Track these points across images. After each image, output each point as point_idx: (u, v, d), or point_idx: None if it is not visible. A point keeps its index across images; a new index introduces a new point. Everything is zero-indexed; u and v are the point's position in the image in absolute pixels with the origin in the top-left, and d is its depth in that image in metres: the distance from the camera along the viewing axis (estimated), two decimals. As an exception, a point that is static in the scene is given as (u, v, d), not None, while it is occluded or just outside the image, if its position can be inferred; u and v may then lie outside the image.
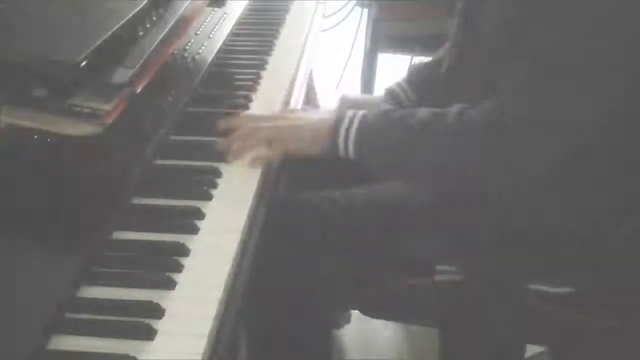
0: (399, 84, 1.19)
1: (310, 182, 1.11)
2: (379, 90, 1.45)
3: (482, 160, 0.86)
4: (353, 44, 2.22)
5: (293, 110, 1.10)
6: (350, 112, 0.96)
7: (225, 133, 0.99)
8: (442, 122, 0.88)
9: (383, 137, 0.93)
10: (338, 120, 0.95)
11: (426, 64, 1.20)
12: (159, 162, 0.95)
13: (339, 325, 1.57)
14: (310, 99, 1.53)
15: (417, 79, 1.19)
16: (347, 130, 0.94)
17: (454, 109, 0.89)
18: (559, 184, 0.91)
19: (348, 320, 1.62)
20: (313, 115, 1.03)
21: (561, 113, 0.82)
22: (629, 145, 0.89)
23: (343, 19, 2.25)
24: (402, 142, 0.92)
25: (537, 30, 0.81)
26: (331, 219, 1.03)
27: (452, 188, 0.94)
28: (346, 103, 1.20)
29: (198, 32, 1.23)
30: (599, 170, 0.90)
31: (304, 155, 0.97)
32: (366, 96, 1.76)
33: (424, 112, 0.91)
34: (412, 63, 2.02)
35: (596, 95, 0.81)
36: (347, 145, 0.94)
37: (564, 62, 0.80)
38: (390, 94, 1.19)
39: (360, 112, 0.95)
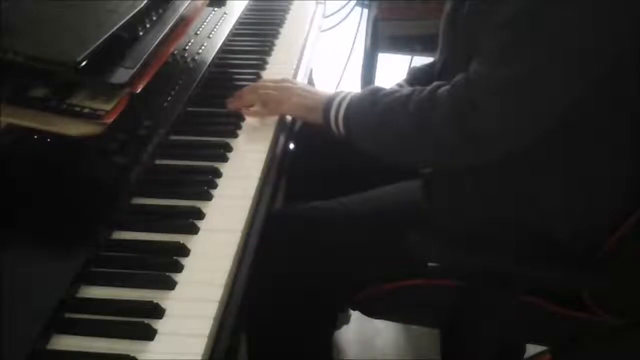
0: (399, 85, 1.19)
1: (308, 193, 1.12)
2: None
3: (450, 131, 0.87)
4: (353, 44, 2.22)
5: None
6: (345, 91, 1.02)
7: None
8: (417, 96, 0.91)
9: (366, 112, 0.96)
10: (332, 96, 1.01)
11: (426, 65, 1.20)
12: (159, 162, 0.95)
13: (338, 325, 1.57)
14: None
15: (418, 79, 1.19)
16: (339, 105, 0.99)
17: (431, 85, 0.91)
18: (557, 184, 0.91)
19: (347, 321, 1.62)
20: (312, 88, 1.09)
21: (527, 80, 0.82)
22: (620, 146, 0.89)
23: (343, 19, 2.25)
24: (381, 115, 0.94)
25: (504, 1, 0.81)
26: (329, 221, 1.04)
27: (427, 160, 0.98)
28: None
29: (198, 32, 1.23)
30: (597, 169, 0.90)
31: (300, 119, 1.10)
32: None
33: (406, 89, 0.94)
34: (412, 63, 2.02)
35: (564, 65, 0.81)
36: (337, 120, 0.99)
37: (529, 29, 0.80)
38: None
39: (354, 91, 1.01)
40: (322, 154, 1.20)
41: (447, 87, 0.89)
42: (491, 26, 0.83)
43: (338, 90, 1.04)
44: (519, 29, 0.81)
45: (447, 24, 0.99)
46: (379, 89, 0.98)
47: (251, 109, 1.08)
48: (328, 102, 1.01)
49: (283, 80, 1.11)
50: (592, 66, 0.81)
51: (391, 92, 0.95)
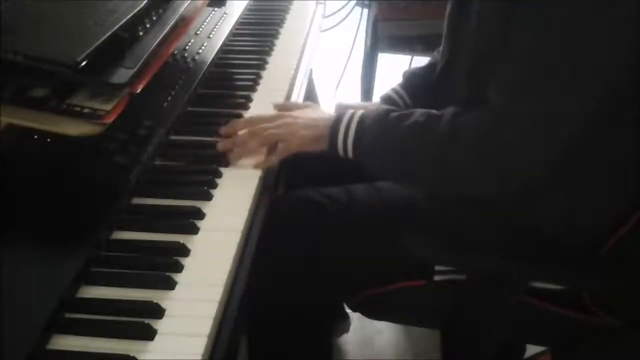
0: (394, 90, 1.18)
1: (309, 182, 1.11)
2: (379, 90, 1.45)
3: (476, 166, 0.86)
4: (353, 44, 2.23)
5: (293, 105, 1.11)
6: (349, 112, 0.97)
7: (226, 136, 1.00)
8: (436, 126, 0.88)
9: (379, 138, 0.94)
10: (337, 120, 0.96)
11: (421, 68, 1.20)
12: (159, 162, 0.95)
13: (338, 334, 1.57)
14: (310, 99, 1.53)
15: (413, 83, 1.18)
16: (346, 130, 0.95)
17: (449, 112, 0.89)
18: (557, 185, 0.91)
19: (348, 329, 1.61)
20: (312, 113, 1.03)
21: (557, 112, 0.81)
22: (621, 147, 0.89)
23: (343, 19, 2.25)
24: (397, 145, 0.92)
25: (524, 31, 0.81)
26: (331, 216, 1.03)
27: (446, 191, 0.95)
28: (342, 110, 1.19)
29: (198, 32, 1.23)
30: (598, 170, 0.90)
31: (304, 152, 0.99)
32: (363, 103, 1.76)
33: (419, 114, 0.91)
34: (408, 67, 2.02)
35: (588, 93, 0.81)
36: (346, 146, 0.95)
37: (555, 61, 0.80)
38: (387, 100, 1.18)
39: (359, 113, 0.96)
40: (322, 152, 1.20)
41: (467, 119, 0.86)
42: (509, 54, 0.82)
43: (338, 110, 0.99)
44: (541, 61, 0.80)
45: (449, 26, 0.99)
46: (387, 112, 0.94)
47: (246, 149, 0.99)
48: (333, 129, 0.96)
49: (279, 117, 1.02)
50: (623, 80, 0.81)
51: (403, 118, 0.91)
